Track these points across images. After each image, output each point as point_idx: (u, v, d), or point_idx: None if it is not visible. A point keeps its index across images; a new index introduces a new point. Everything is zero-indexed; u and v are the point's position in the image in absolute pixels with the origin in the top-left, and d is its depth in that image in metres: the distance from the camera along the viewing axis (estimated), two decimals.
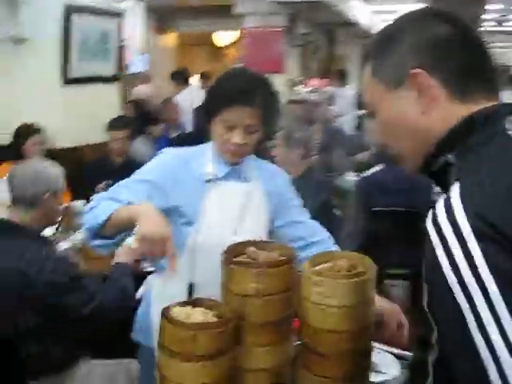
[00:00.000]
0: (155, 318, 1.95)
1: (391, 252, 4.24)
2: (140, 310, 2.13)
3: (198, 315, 1.50)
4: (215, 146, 2.00)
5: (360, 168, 5.40)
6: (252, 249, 1.68)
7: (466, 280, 0.84)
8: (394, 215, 4.18)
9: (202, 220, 1.93)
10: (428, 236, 0.90)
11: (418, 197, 4.12)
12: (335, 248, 2.14)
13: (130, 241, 2.80)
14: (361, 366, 1.53)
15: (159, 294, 2.02)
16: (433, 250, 0.89)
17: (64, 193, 4.64)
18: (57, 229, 3.32)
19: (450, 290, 0.85)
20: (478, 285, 0.82)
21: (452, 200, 0.90)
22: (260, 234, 2.02)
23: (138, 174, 1.98)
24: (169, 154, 2.06)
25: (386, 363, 1.93)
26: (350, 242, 4.37)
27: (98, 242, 1.80)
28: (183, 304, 1.58)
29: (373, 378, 1.66)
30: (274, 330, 1.60)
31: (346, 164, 6.04)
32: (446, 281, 0.86)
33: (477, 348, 0.82)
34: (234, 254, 1.68)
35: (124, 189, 1.89)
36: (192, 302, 1.60)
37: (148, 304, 2.05)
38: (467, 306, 0.83)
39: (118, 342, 2.57)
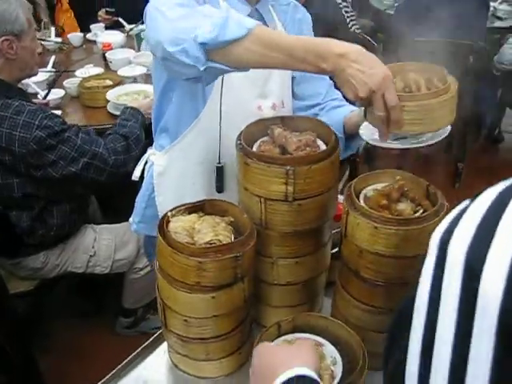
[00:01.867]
0: (162, 208, 1.59)
1: None
2: (140, 198, 1.71)
3: (205, 231, 1.11)
4: None
5: None
6: (278, 130, 1.23)
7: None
8: (439, 48, 3.60)
9: (219, 80, 1.40)
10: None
11: (471, 27, 3.53)
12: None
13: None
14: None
15: (165, 176, 1.60)
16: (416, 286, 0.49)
17: (69, 22, 4.09)
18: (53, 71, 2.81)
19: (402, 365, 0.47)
20: None
21: None
22: (285, 97, 1.56)
23: None
24: None
25: None
26: None
27: (215, 64, 1.12)
28: (187, 209, 1.18)
29: None
30: (306, 239, 1.22)
31: None
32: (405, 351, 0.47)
33: None
34: (254, 136, 1.25)
35: None
36: (200, 204, 1.21)
37: (149, 189, 1.65)
38: None
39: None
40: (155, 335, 1.33)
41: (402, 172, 1.20)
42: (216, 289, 1.08)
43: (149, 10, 1.24)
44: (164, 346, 1.32)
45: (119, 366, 1.26)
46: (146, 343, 1.33)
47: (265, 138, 1.26)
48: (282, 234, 1.20)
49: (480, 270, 0.39)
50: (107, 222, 2.50)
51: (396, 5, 4.45)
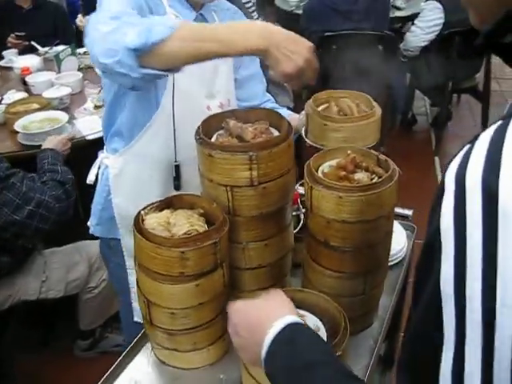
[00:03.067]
0: (119, 209, 1.62)
1: (344, 81, 3.95)
2: (96, 201, 1.72)
3: (180, 223, 1.15)
4: None
5: None
6: (233, 122, 1.30)
7: (470, 286, 0.49)
8: (348, 39, 3.79)
9: (170, 85, 1.45)
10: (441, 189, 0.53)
11: (376, 18, 3.76)
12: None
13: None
14: (382, 255, 1.28)
15: (121, 178, 1.62)
16: (436, 220, 0.53)
17: None
18: None
19: (437, 290, 0.52)
20: (484, 301, 0.49)
21: (509, 133, 0.50)
22: (230, 96, 1.64)
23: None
24: None
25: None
26: None
27: (148, 70, 1.16)
28: (158, 207, 1.22)
29: None
30: (272, 221, 1.29)
31: None
32: (438, 277, 0.52)
33: None
34: (210, 131, 1.30)
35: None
36: (168, 200, 1.25)
37: (105, 191, 1.66)
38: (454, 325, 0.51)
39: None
40: (137, 337, 1.35)
41: (351, 146, 1.30)
42: (199, 276, 1.13)
43: (88, 28, 1.25)
44: (146, 348, 1.34)
45: (107, 373, 1.26)
46: (127, 349, 1.34)
47: (220, 132, 1.32)
48: (250, 219, 1.26)
49: (496, 189, 0.47)
50: (49, 247, 2.46)
51: (302, 4, 4.63)
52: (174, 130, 1.46)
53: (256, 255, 1.32)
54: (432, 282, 0.53)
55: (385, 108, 4.20)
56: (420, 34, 3.97)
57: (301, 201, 1.57)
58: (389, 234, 1.27)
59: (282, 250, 1.37)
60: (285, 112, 1.77)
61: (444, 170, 0.55)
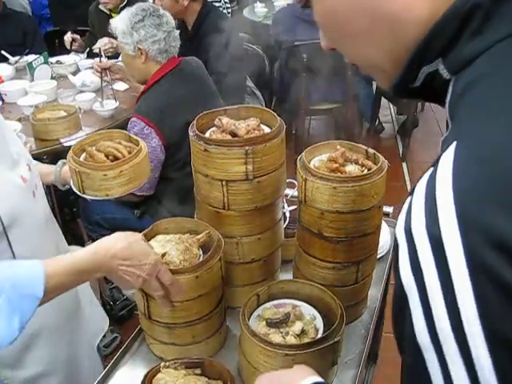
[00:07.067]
0: None
1: (314, 87, 4.04)
2: None
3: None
4: None
5: None
6: (226, 119, 1.33)
7: (440, 329, 0.51)
8: (317, 48, 3.87)
9: None
10: (396, 246, 0.56)
11: None
12: None
13: None
14: (373, 244, 1.33)
15: None
16: (398, 275, 0.55)
17: None
18: None
19: (415, 341, 0.54)
20: (458, 341, 0.50)
21: (438, 182, 0.53)
22: (26, 151, 1.43)
23: None
24: None
25: None
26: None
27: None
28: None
29: None
30: (265, 216, 1.32)
31: None
32: (413, 329, 0.54)
33: None
34: (203, 129, 1.33)
35: None
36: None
37: None
38: (439, 371, 0.52)
39: None
40: (131, 336, 1.36)
41: (341, 142, 1.35)
42: (199, 268, 1.15)
43: None
44: (142, 345, 1.35)
45: (103, 372, 1.27)
46: (122, 348, 1.35)
47: (213, 129, 1.35)
48: (244, 213, 1.29)
49: (440, 237, 0.50)
50: None
51: (269, 15, 4.72)
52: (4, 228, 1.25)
53: (249, 249, 1.35)
54: (408, 330, 0.55)
55: (352, 116, 4.32)
56: None
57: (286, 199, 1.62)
58: (379, 223, 1.31)
59: (274, 245, 1.40)
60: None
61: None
